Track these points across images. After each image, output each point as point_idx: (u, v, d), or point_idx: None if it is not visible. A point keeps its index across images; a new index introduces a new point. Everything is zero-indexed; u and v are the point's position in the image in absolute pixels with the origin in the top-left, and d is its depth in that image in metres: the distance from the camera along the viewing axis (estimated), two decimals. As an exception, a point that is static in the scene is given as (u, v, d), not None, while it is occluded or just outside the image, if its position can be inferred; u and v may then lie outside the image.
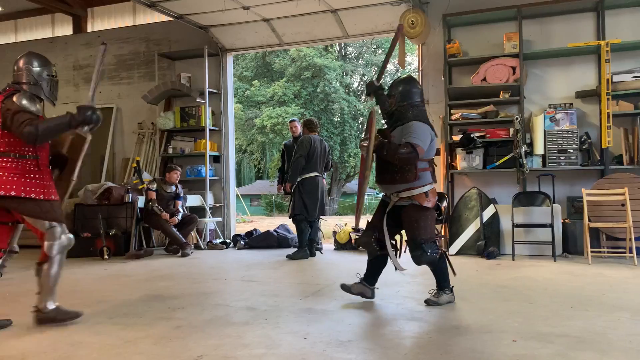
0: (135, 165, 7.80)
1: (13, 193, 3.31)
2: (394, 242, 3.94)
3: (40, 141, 3.34)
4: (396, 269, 3.84)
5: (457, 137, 6.82)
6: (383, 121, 4.11)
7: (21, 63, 3.52)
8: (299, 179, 6.62)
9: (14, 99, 3.37)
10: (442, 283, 3.91)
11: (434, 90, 7.30)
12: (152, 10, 7.61)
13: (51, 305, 3.45)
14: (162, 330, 3.29)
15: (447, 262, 3.92)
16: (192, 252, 7.08)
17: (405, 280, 4.94)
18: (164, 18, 8.48)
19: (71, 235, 3.56)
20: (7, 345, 3.04)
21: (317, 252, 6.85)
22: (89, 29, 9.71)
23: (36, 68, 3.52)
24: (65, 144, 3.71)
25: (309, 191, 6.59)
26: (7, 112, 3.33)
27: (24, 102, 3.38)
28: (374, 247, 3.93)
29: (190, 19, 7.76)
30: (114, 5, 9.50)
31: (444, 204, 6.81)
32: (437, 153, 6.43)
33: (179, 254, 6.98)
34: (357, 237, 7.22)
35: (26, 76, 3.49)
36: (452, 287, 3.94)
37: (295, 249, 7.47)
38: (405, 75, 4.03)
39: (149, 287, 4.83)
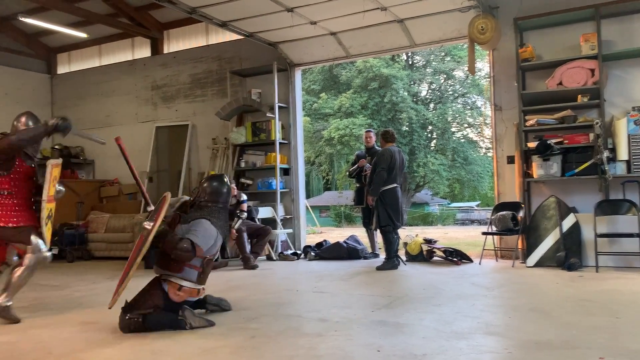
0: (209, 179, 8.07)
1: None
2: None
3: (21, 147, 4.07)
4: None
5: (532, 144, 6.56)
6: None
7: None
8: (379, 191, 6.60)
9: None
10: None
11: (507, 97, 7.08)
12: (224, 30, 7.91)
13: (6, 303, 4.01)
14: (238, 340, 3.38)
15: (154, 322, 3.64)
16: (255, 264, 7.10)
17: (480, 293, 4.80)
18: (234, 37, 8.78)
19: (46, 254, 4.11)
20: (93, 352, 3.22)
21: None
22: (165, 51, 10.21)
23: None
24: None
25: (391, 202, 6.56)
26: None
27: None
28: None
29: (260, 36, 7.99)
30: (187, 26, 9.94)
31: (520, 214, 6.61)
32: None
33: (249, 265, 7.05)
34: (429, 248, 7.10)
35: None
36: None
37: (364, 259, 7.48)
38: (217, 174, 4.18)
39: (224, 297, 4.95)
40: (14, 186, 4.13)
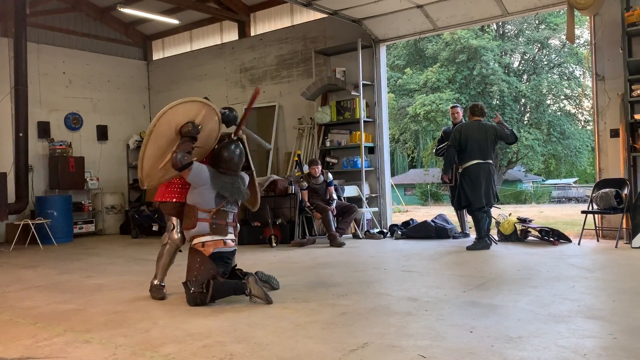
0: (296, 158, 8.23)
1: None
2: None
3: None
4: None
5: (639, 116, 6.06)
6: None
7: None
8: (460, 169, 6.41)
9: None
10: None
11: (610, 65, 6.59)
12: (308, 10, 7.92)
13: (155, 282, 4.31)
14: (329, 316, 3.44)
15: (219, 288, 3.84)
16: (342, 242, 7.17)
17: (580, 275, 4.55)
18: (319, 16, 8.78)
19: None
20: (195, 323, 3.42)
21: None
22: (252, 33, 10.43)
23: None
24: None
25: (471, 180, 6.32)
26: None
27: None
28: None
29: (344, 13, 7.93)
30: (273, 8, 10.08)
31: (625, 191, 6.15)
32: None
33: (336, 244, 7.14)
34: (524, 227, 6.81)
35: None
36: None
37: (453, 238, 7.32)
38: (231, 142, 4.13)
39: (313, 274, 5.07)
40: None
